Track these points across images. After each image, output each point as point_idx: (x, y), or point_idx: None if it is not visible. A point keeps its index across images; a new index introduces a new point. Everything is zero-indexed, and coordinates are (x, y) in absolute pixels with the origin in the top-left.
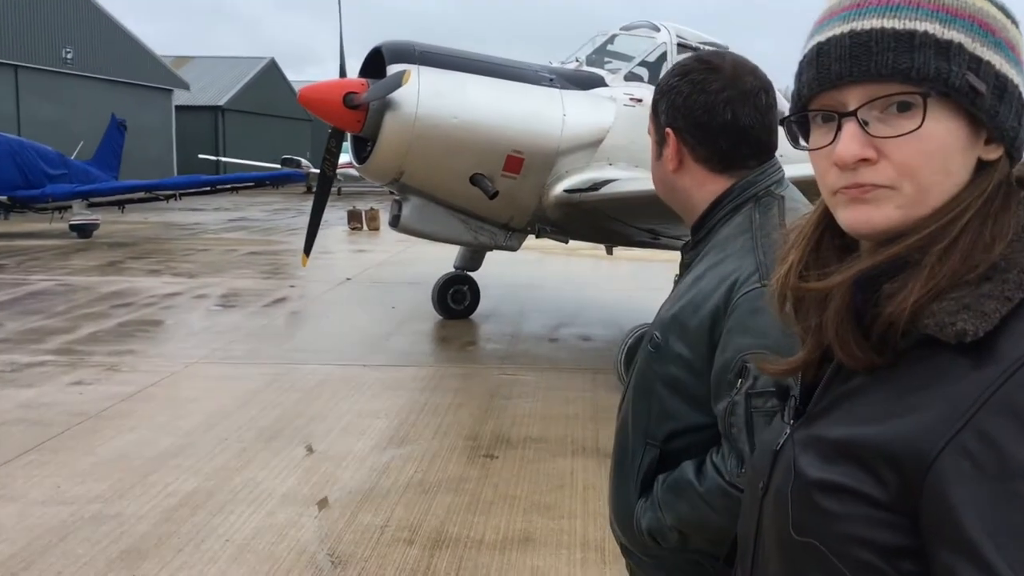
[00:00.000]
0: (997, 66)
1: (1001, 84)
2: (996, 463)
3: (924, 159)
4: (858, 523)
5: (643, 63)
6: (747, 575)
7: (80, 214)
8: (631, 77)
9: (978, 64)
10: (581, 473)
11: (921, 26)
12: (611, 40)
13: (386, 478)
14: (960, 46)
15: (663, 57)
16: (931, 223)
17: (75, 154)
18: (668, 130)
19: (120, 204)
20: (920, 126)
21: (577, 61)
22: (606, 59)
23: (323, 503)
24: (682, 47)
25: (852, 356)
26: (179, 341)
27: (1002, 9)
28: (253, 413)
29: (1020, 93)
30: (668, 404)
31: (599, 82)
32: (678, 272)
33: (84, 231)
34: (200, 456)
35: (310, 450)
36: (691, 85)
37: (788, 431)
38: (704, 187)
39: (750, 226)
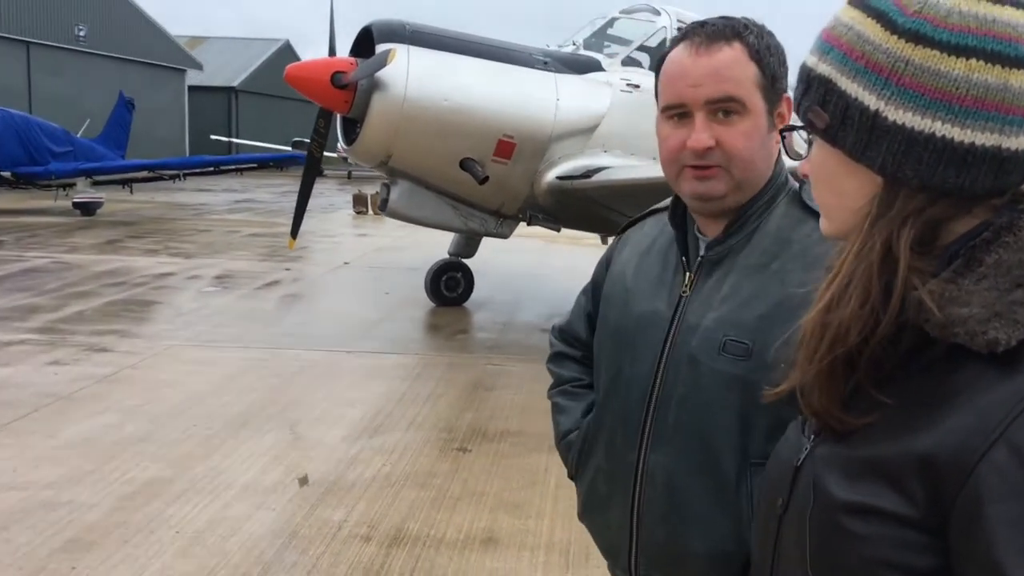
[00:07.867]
0: (852, 94)
1: (842, 110)
2: None
3: (814, 179)
4: (886, 545)
5: (642, 47)
6: None
7: (84, 192)
8: (629, 62)
9: (832, 95)
10: (556, 470)
11: (810, 59)
12: (611, 23)
13: (352, 470)
14: (822, 78)
15: (664, 42)
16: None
17: (81, 131)
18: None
19: (127, 183)
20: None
21: (574, 44)
22: (605, 43)
23: (284, 495)
24: None
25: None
26: (164, 322)
27: (883, 21)
28: (227, 399)
29: (868, 116)
30: (784, 413)
31: (595, 66)
32: (687, 272)
33: (87, 209)
34: (165, 442)
35: (279, 439)
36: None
37: (808, 447)
38: None
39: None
